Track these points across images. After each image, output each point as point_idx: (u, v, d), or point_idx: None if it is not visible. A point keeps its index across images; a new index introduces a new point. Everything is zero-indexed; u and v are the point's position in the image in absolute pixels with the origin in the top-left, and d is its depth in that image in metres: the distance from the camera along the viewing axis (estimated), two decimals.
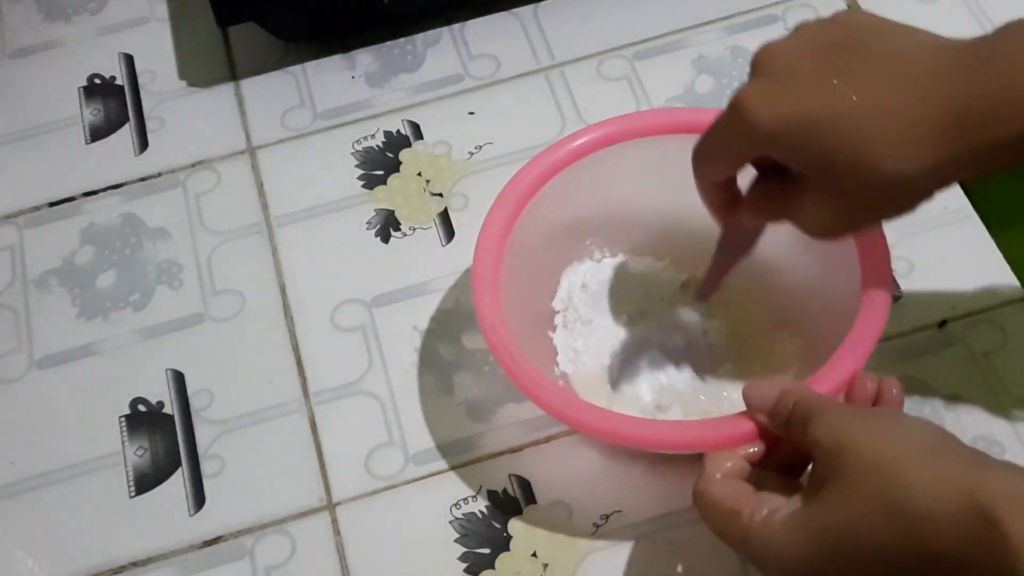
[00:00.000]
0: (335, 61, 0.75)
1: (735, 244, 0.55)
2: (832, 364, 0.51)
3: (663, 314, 0.61)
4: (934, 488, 0.40)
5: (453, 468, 0.60)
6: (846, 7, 0.74)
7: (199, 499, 0.60)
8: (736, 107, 0.47)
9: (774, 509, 0.45)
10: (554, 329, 0.61)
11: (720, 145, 0.50)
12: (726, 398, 0.58)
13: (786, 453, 0.49)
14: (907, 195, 0.47)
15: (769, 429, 0.49)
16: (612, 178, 0.60)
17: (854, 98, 0.45)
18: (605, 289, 0.62)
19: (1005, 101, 0.43)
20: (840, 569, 0.43)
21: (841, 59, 0.46)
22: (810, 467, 0.47)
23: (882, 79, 0.45)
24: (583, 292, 0.62)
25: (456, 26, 0.76)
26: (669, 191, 0.58)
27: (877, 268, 0.53)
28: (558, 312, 0.62)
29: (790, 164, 0.48)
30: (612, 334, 0.61)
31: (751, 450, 0.49)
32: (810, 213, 0.49)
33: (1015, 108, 0.43)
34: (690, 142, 0.52)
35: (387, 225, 0.68)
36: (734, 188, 0.52)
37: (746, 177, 0.52)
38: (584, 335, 0.61)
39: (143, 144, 0.73)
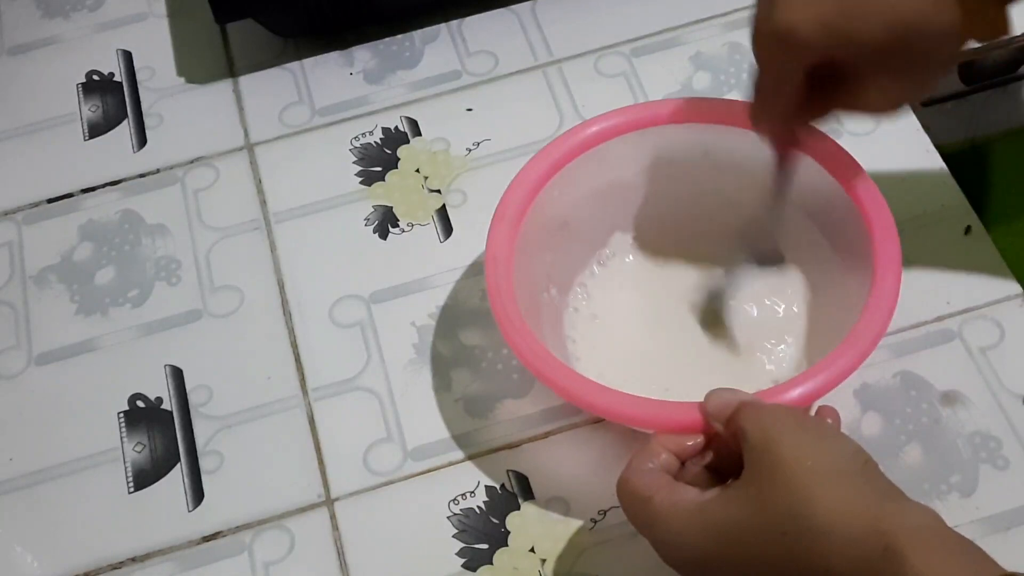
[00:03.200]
0: (333, 58, 0.76)
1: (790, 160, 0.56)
2: (817, 369, 0.51)
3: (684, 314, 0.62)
4: (840, 510, 0.41)
5: (451, 464, 0.60)
6: None
7: (198, 495, 0.60)
8: (776, 30, 0.47)
9: (686, 498, 0.46)
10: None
11: (776, 80, 0.50)
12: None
13: (720, 454, 0.49)
14: (952, 45, 0.48)
15: (720, 434, 0.49)
16: (632, 165, 0.61)
17: None
18: (625, 287, 0.63)
19: None
20: (733, 565, 0.43)
21: None
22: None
23: None
24: (599, 289, 0.63)
25: (454, 23, 0.76)
26: (693, 178, 0.59)
27: (888, 275, 0.53)
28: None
29: (844, 58, 0.48)
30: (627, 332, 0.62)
31: (686, 443, 0.49)
32: (873, 96, 0.50)
33: None
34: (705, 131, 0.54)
35: (385, 221, 0.68)
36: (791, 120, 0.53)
37: None
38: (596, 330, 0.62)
39: (141, 141, 0.73)
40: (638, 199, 0.63)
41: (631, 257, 0.64)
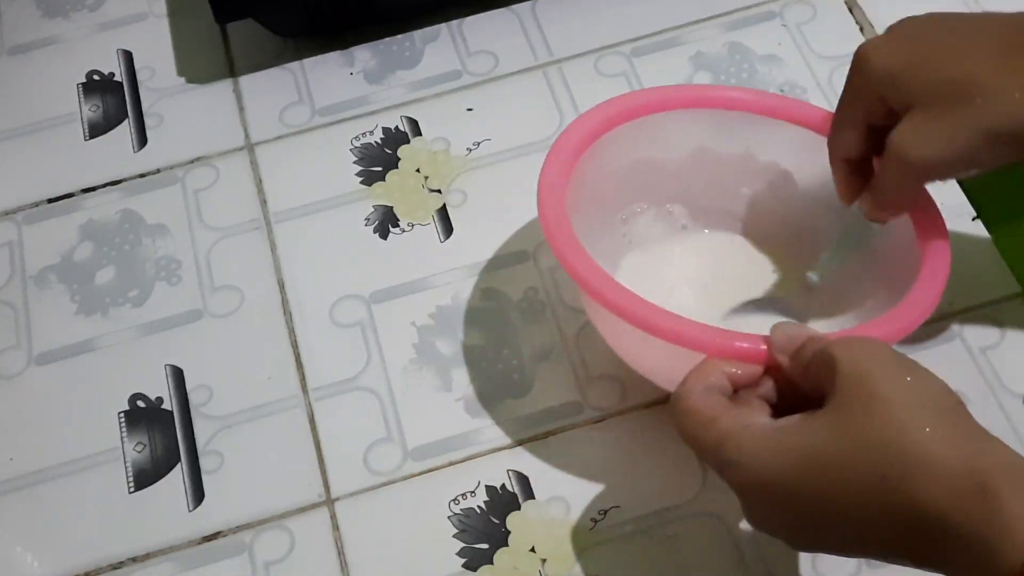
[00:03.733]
0: (333, 58, 0.76)
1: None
2: (897, 313, 0.51)
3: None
4: (936, 443, 0.40)
5: (451, 464, 0.60)
6: (846, 6, 0.74)
7: (198, 495, 0.60)
8: (858, 56, 0.51)
9: (757, 421, 0.45)
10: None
11: (848, 100, 0.52)
12: None
13: (777, 384, 0.49)
14: (1004, 119, 0.48)
15: (783, 367, 0.48)
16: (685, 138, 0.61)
17: (963, 42, 0.48)
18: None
19: None
20: (813, 490, 0.43)
21: (955, 34, 0.50)
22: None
23: (984, 39, 0.49)
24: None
25: (454, 22, 0.76)
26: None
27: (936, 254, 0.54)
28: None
29: (902, 101, 0.49)
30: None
31: (741, 372, 0.49)
32: (905, 131, 0.49)
33: None
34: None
35: (385, 221, 0.68)
36: (865, 171, 0.54)
37: None
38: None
39: (142, 140, 0.73)
40: (679, 176, 0.62)
41: (662, 235, 0.63)
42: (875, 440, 0.41)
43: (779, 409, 0.48)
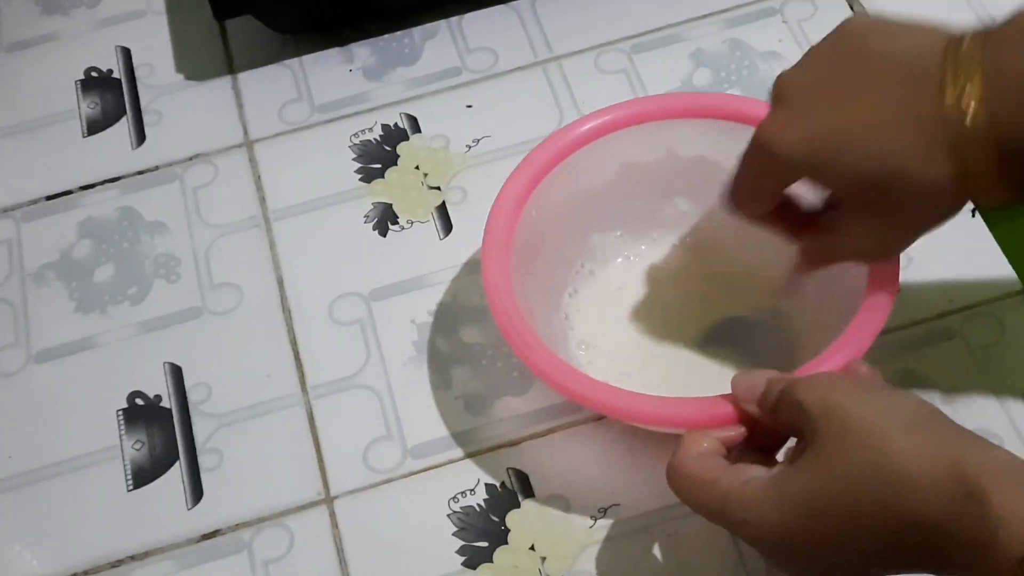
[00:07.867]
0: (332, 54, 0.75)
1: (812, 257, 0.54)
2: (823, 358, 0.51)
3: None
4: (919, 457, 0.41)
5: (451, 462, 0.60)
6: (846, 3, 0.74)
7: (197, 493, 0.60)
8: (758, 142, 0.48)
9: (754, 476, 0.45)
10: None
11: (751, 183, 0.50)
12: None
13: (762, 436, 0.49)
14: (942, 200, 0.47)
15: (756, 417, 0.49)
16: (633, 158, 0.60)
17: (869, 109, 0.45)
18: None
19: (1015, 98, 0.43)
20: (819, 533, 0.43)
21: (850, 72, 0.46)
22: (791, 441, 0.47)
23: (890, 87, 0.45)
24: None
25: (453, 19, 0.76)
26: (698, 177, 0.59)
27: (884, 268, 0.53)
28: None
29: (825, 185, 0.48)
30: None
31: (730, 433, 0.49)
32: (848, 237, 0.49)
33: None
34: (711, 127, 0.54)
35: (385, 219, 0.68)
36: (790, 206, 0.53)
37: None
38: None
39: (140, 137, 0.73)
40: (610, 205, 0.62)
41: (613, 262, 0.63)
42: (861, 471, 0.42)
43: (776, 450, 0.49)
